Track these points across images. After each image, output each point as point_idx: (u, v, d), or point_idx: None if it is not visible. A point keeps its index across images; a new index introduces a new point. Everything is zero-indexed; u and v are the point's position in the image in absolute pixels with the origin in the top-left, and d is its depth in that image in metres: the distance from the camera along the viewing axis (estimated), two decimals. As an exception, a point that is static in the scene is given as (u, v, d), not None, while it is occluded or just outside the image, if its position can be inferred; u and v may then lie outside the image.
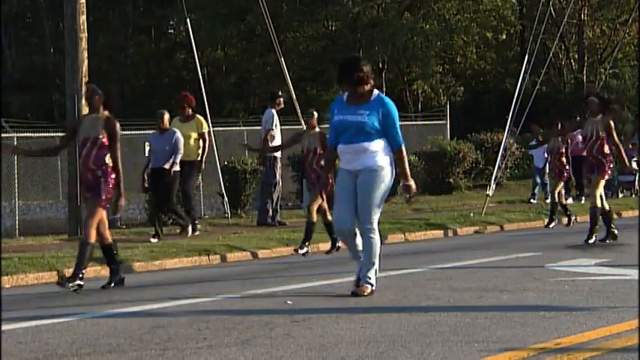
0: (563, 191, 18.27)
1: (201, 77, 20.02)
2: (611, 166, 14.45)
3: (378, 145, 9.05)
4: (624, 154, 14.76)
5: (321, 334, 7.14)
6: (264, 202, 18.33)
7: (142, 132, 22.19)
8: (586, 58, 43.49)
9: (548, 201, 19.14)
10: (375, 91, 9.20)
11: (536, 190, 24.58)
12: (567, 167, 17.88)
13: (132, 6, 45.90)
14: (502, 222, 19.06)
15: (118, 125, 10.69)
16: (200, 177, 21.29)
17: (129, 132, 22.64)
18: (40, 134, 23.79)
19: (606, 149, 14.17)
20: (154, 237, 15.63)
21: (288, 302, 8.80)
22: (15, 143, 21.83)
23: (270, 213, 18.24)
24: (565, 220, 17.95)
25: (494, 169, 21.94)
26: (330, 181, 13.38)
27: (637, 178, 25.43)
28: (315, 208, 13.73)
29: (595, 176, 14.21)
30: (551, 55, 30.57)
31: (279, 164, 18.34)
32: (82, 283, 10.47)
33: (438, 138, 29.22)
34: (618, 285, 9.59)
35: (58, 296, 10.29)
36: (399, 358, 6.26)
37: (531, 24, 32.05)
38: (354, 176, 9.09)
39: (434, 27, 42.31)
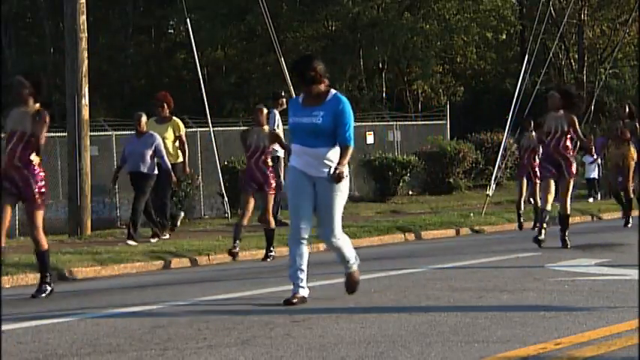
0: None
1: (201, 77, 20.03)
2: (575, 164, 13.93)
3: (336, 153, 8.66)
4: (591, 144, 14.40)
5: (321, 334, 7.14)
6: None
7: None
8: (586, 58, 43.49)
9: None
10: (332, 91, 8.79)
11: None
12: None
13: (132, 6, 45.87)
14: (502, 222, 19.06)
15: (47, 118, 10.25)
16: (200, 177, 21.30)
17: (129, 132, 22.60)
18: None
19: (569, 145, 13.67)
20: (152, 237, 15.62)
21: (288, 302, 8.80)
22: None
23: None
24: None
25: (494, 169, 21.96)
26: (276, 179, 13.34)
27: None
28: (270, 214, 13.41)
29: (563, 179, 13.60)
30: (551, 55, 30.58)
31: (282, 164, 18.29)
32: (51, 287, 10.20)
33: (438, 138, 29.24)
34: (618, 285, 9.59)
35: (58, 296, 10.29)
36: (399, 358, 6.26)
37: (531, 24, 32.06)
38: (312, 182, 8.67)
39: (434, 27, 42.31)
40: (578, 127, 13.69)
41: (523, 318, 7.60)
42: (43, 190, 10.26)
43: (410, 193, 27.66)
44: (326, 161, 8.60)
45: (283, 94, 18.53)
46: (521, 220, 18.00)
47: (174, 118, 16.74)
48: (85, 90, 16.68)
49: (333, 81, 38.03)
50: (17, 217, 20.65)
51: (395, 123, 30.76)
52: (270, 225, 13.42)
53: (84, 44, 16.72)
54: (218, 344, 6.86)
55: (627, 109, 17.14)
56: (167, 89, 21.00)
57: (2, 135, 10.47)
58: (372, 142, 28.70)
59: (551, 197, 13.78)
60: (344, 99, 8.80)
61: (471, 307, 8.37)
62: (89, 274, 12.52)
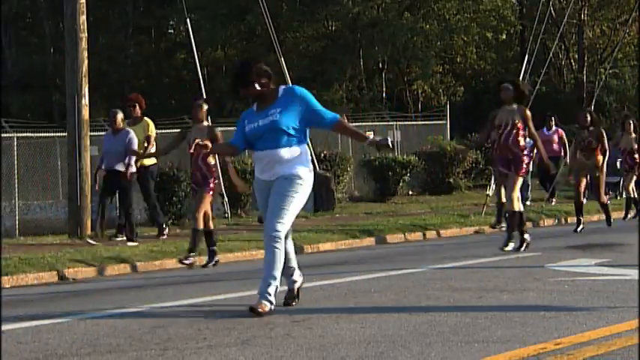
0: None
1: (201, 77, 20.03)
2: (528, 161, 13.39)
3: (295, 151, 8.18)
4: (542, 147, 13.63)
5: (321, 334, 7.14)
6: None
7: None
8: (586, 58, 43.51)
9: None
10: (281, 88, 8.35)
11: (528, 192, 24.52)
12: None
13: (132, 6, 45.87)
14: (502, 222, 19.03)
15: None
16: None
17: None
18: (40, 134, 23.79)
19: (522, 141, 13.03)
20: (116, 236, 15.49)
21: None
22: (15, 143, 21.83)
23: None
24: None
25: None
26: (216, 180, 12.77)
27: (621, 179, 25.26)
28: (202, 214, 12.58)
29: (512, 174, 12.95)
30: (551, 55, 30.59)
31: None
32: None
33: (438, 138, 29.24)
34: (618, 285, 9.59)
35: (58, 296, 10.30)
36: (399, 358, 6.26)
37: (531, 24, 32.08)
38: (269, 188, 8.24)
39: (434, 27, 42.33)
40: (531, 122, 13.10)
41: (523, 318, 7.60)
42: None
43: (410, 193, 27.66)
44: (282, 162, 8.16)
45: None
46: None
47: (145, 118, 16.33)
48: (85, 90, 16.65)
49: (334, 81, 38.05)
50: (17, 217, 20.65)
51: (395, 123, 30.75)
52: (197, 224, 12.60)
53: (84, 44, 16.72)
54: (218, 344, 6.86)
55: (589, 117, 16.27)
56: (167, 89, 21.00)
57: None
58: (372, 142, 28.65)
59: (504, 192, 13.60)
60: (297, 87, 8.43)
61: (471, 307, 8.38)
62: (89, 274, 12.52)
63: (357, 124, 30.36)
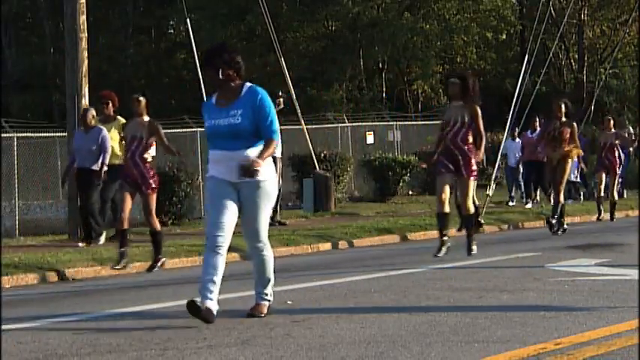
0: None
1: (201, 77, 20.00)
2: (476, 162, 12.33)
3: (255, 152, 7.81)
4: (483, 146, 12.67)
5: (321, 334, 7.14)
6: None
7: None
8: (586, 58, 43.51)
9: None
10: (247, 84, 7.93)
11: (514, 193, 24.51)
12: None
13: (132, 6, 45.91)
14: (502, 222, 19.06)
15: None
16: (200, 177, 21.28)
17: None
18: (40, 134, 23.78)
19: (470, 139, 12.30)
20: (82, 241, 15.19)
21: (288, 302, 8.81)
22: (15, 143, 21.82)
23: (270, 213, 18.14)
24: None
25: (493, 169, 21.95)
26: (155, 177, 12.15)
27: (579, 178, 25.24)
28: (154, 216, 12.16)
29: (463, 178, 12.27)
30: (551, 55, 30.59)
31: (279, 164, 18.26)
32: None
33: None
34: (618, 285, 9.59)
35: (59, 296, 10.29)
36: (399, 358, 6.25)
37: (531, 24, 32.06)
38: (235, 188, 7.89)
39: (434, 27, 42.34)
40: (481, 120, 12.31)
41: (523, 318, 7.59)
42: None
43: (410, 193, 27.66)
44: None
45: (280, 93, 18.45)
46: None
47: (119, 117, 15.76)
48: (85, 90, 16.64)
49: (334, 81, 38.08)
50: (17, 218, 20.65)
51: (395, 123, 30.77)
52: (154, 227, 12.24)
53: (84, 44, 16.72)
54: (218, 344, 6.86)
55: (564, 108, 15.47)
56: (167, 89, 20.98)
57: None
58: (372, 142, 28.71)
59: (445, 197, 12.40)
60: (260, 90, 7.94)
61: (471, 307, 8.37)
62: (89, 274, 12.51)
63: (357, 124, 30.48)
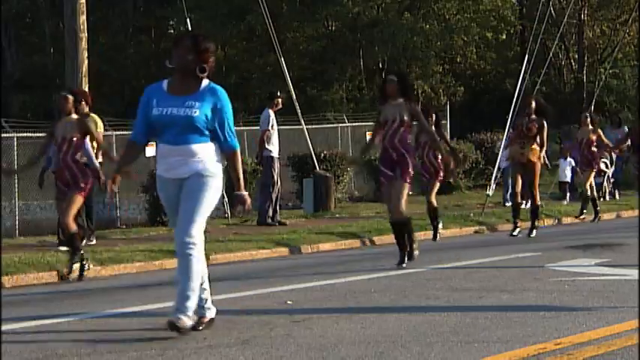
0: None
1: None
2: (411, 164, 11.73)
3: (210, 148, 7.29)
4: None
5: (321, 334, 7.14)
6: (263, 202, 18.29)
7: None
8: (586, 58, 43.50)
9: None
10: (206, 80, 7.30)
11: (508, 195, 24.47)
12: None
13: (132, 6, 45.90)
14: (502, 222, 19.05)
15: None
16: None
17: (129, 132, 22.61)
18: (40, 134, 23.75)
19: (409, 140, 11.84)
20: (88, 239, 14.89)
21: (288, 302, 8.81)
22: (15, 143, 21.83)
23: (270, 213, 18.21)
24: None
25: (494, 169, 21.95)
26: (89, 180, 11.81)
27: (605, 179, 25.17)
28: (71, 217, 11.68)
29: (397, 182, 11.57)
30: (551, 55, 30.58)
31: (276, 164, 18.28)
32: None
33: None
34: (618, 285, 9.59)
35: (58, 296, 10.29)
36: (399, 358, 6.26)
37: (531, 24, 32.08)
38: (179, 186, 7.30)
39: (434, 27, 42.30)
40: (422, 116, 11.88)
41: (523, 318, 7.60)
42: None
43: (410, 193, 27.63)
44: (195, 158, 7.22)
45: (279, 93, 18.44)
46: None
47: (91, 114, 15.15)
48: (85, 90, 16.62)
49: (334, 81, 38.06)
50: (17, 217, 20.66)
51: (395, 123, 30.69)
52: (69, 229, 11.75)
53: (84, 44, 16.73)
54: (218, 344, 6.86)
55: (534, 104, 14.81)
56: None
57: None
58: (372, 142, 28.66)
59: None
60: (222, 91, 7.35)
61: (471, 307, 8.37)
62: (89, 274, 12.50)
63: (357, 124, 30.47)
